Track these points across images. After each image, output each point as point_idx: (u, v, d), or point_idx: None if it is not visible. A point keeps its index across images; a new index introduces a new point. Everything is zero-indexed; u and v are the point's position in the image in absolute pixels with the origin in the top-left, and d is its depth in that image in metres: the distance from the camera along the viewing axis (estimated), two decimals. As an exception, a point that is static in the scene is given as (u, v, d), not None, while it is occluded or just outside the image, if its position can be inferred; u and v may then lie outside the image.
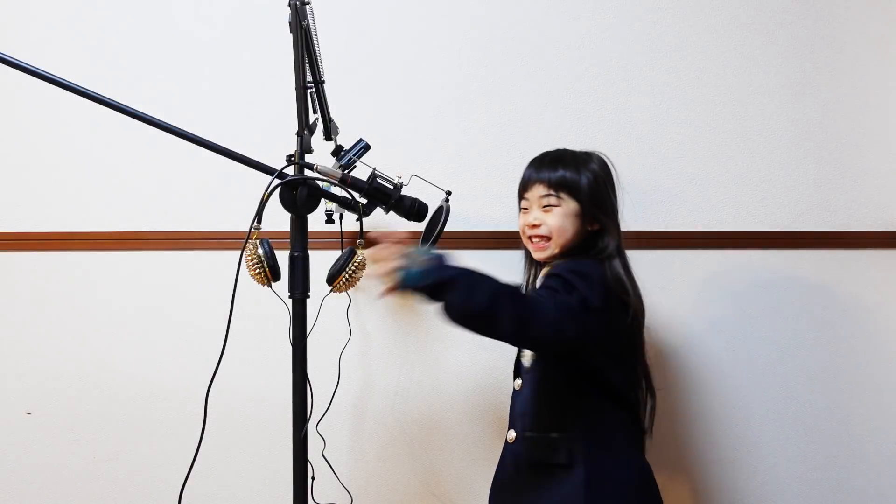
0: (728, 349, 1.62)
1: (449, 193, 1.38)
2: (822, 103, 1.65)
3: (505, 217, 1.59)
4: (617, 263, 1.17)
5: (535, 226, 1.21)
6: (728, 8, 1.64)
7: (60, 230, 1.58)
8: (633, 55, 1.62)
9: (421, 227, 1.38)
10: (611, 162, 1.25)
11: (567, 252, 1.21)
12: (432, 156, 1.60)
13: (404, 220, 1.34)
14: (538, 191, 1.21)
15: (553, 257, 1.22)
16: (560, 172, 1.20)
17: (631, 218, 1.61)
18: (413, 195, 1.33)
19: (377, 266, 0.98)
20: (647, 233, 1.60)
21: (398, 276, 0.95)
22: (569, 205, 1.19)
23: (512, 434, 1.22)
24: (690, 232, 1.61)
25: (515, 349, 1.29)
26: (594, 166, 1.22)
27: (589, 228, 1.21)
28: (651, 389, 1.25)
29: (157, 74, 1.59)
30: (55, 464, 1.58)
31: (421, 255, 0.98)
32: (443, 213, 1.34)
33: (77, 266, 1.58)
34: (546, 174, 1.20)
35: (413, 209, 1.31)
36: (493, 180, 1.60)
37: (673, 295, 1.61)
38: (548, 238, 1.20)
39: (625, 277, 1.16)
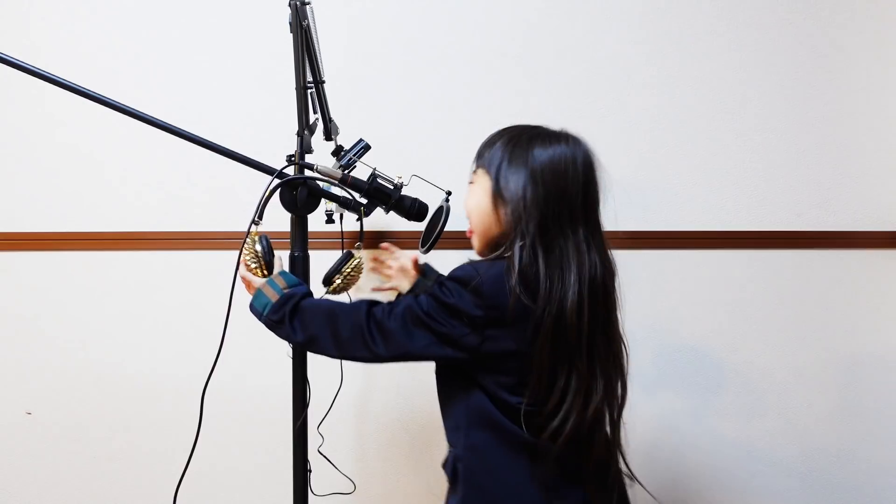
0: (728, 349, 1.62)
1: (449, 193, 1.38)
2: (822, 103, 1.65)
3: (505, 217, 1.59)
4: (524, 261, 0.91)
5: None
6: (728, 8, 1.64)
7: (60, 230, 1.58)
8: (633, 55, 1.62)
9: (421, 227, 1.38)
10: (589, 148, 1.00)
11: (493, 246, 1.00)
12: (432, 156, 1.60)
13: (404, 220, 1.34)
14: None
15: (483, 254, 1.03)
16: (489, 141, 1.02)
17: (631, 218, 1.61)
18: (413, 195, 1.33)
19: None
20: (647, 233, 1.60)
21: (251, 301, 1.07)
22: (483, 182, 1.00)
23: None
24: (690, 232, 1.61)
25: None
26: (545, 145, 0.97)
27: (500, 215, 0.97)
28: (584, 401, 0.93)
29: (157, 74, 1.59)
30: (55, 464, 1.58)
31: (272, 290, 1.06)
32: (443, 213, 1.33)
33: (77, 266, 1.58)
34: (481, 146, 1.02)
35: (413, 209, 1.31)
36: (493, 180, 1.60)
37: (673, 295, 1.61)
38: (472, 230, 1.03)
39: (531, 278, 0.91)
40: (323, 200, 1.23)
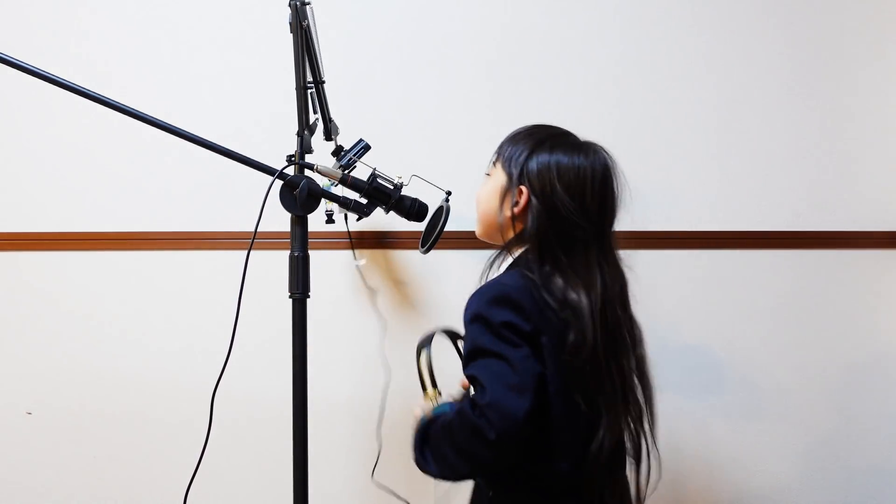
0: (728, 349, 1.62)
1: (449, 193, 1.38)
2: (822, 103, 1.65)
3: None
4: (545, 276, 0.91)
5: None
6: (728, 8, 1.64)
7: (60, 230, 1.58)
8: (634, 55, 1.62)
9: (421, 227, 1.38)
10: (613, 164, 0.99)
11: (493, 237, 1.03)
12: (432, 156, 1.60)
13: (404, 220, 1.34)
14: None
15: (484, 240, 1.07)
16: (514, 137, 1.00)
17: (631, 218, 1.61)
18: (413, 195, 1.33)
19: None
20: (647, 233, 1.60)
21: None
22: (498, 177, 0.99)
23: None
24: (690, 232, 1.61)
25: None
26: (561, 159, 0.94)
27: (515, 219, 0.96)
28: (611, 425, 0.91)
29: (158, 74, 1.59)
30: (55, 464, 1.58)
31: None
32: (443, 213, 1.34)
33: (77, 266, 1.58)
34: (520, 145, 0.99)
35: (413, 209, 1.32)
36: (493, 180, 1.60)
37: (673, 295, 1.61)
38: None
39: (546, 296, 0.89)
40: (323, 200, 1.24)
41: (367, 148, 1.34)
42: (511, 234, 0.97)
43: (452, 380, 1.04)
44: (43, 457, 1.58)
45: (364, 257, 1.57)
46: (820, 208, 1.65)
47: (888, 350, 1.64)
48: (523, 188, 0.94)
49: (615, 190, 0.98)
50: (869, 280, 1.64)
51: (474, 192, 1.57)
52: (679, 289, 1.62)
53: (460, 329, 0.98)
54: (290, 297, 1.18)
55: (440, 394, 1.00)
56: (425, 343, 1.01)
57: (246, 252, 1.12)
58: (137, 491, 1.58)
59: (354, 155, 1.33)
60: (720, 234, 1.62)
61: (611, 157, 0.98)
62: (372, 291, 1.56)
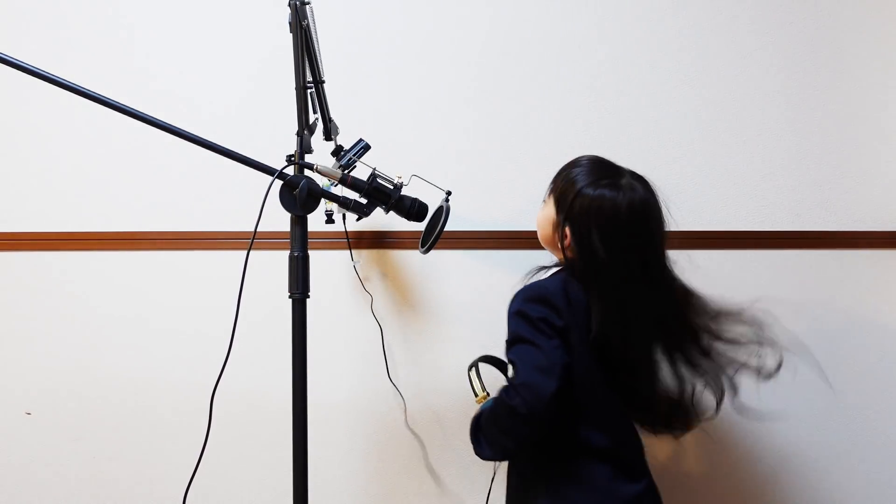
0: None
1: (449, 193, 1.38)
2: (823, 103, 1.65)
3: (505, 217, 1.59)
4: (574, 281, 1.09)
5: None
6: (728, 8, 1.64)
7: (60, 230, 1.58)
8: (634, 56, 1.62)
9: (421, 227, 1.38)
10: (654, 195, 1.10)
11: (550, 250, 1.22)
12: (432, 156, 1.60)
13: (404, 220, 1.34)
14: None
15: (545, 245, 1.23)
16: (566, 172, 1.15)
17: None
18: (413, 195, 1.33)
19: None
20: (647, 233, 1.60)
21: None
22: (550, 209, 1.16)
23: None
24: (691, 232, 1.61)
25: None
26: (605, 193, 1.08)
27: (559, 243, 1.12)
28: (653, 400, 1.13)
29: (157, 74, 1.59)
30: (55, 464, 1.58)
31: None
32: (443, 213, 1.34)
33: (77, 266, 1.58)
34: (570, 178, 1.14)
35: (413, 209, 1.32)
36: (493, 180, 1.60)
37: (673, 295, 1.61)
38: None
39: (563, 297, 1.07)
40: (323, 200, 1.24)
41: (366, 148, 1.34)
42: (562, 256, 1.14)
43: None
44: (43, 457, 1.58)
45: (361, 258, 1.57)
46: (820, 208, 1.64)
47: (889, 350, 1.64)
48: (567, 231, 1.10)
49: (659, 220, 1.11)
50: (869, 280, 1.64)
51: (474, 191, 1.60)
52: (679, 289, 1.61)
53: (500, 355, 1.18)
54: (290, 297, 1.18)
55: (488, 394, 1.16)
56: (475, 363, 1.21)
57: (246, 252, 1.12)
58: (137, 491, 1.58)
59: (354, 155, 1.33)
60: (720, 233, 1.62)
61: (651, 190, 1.11)
62: (372, 292, 1.56)
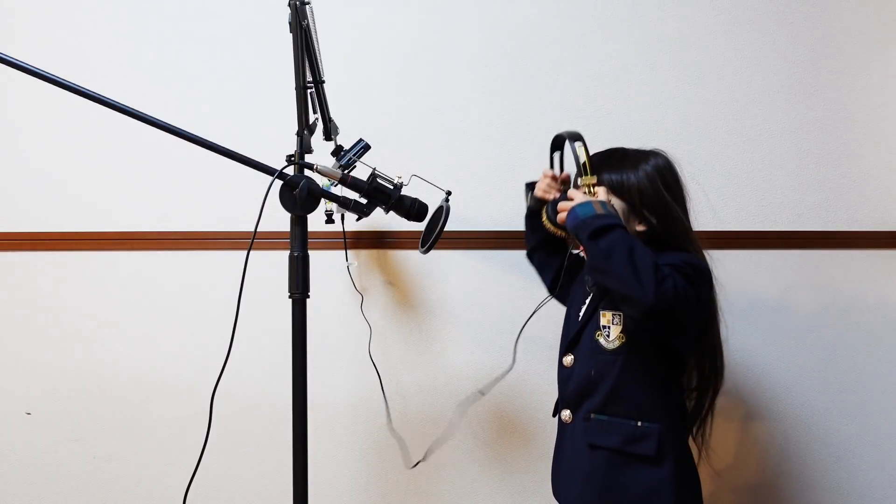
0: (728, 349, 1.62)
1: (449, 193, 1.38)
2: (823, 103, 1.65)
3: (505, 217, 1.59)
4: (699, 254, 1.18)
5: None
6: (728, 8, 1.64)
7: (60, 230, 1.58)
8: (634, 55, 1.62)
9: (421, 227, 1.38)
10: (671, 158, 1.24)
11: None
12: (432, 156, 1.60)
13: (404, 220, 1.34)
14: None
15: None
16: (609, 175, 1.18)
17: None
18: (413, 195, 1.33)
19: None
20: (647, 233, 1.60)
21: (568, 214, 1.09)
22: (605, 196, 1.15)
23: (567, 413, 1.19)
24: (690, 232, 1.61)
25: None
26: (647, 167, 1.19)
27: (637, 228, 1.18)
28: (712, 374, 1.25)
29: (158, 74, 1.60)
30: (55, 464, 1.58)
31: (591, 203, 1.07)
32: (443, 213, 1.34)
33: (77, 266, 1.58)
34: (604, 174, 1.18)
35: (413, 209, 1.32)
36: (493, 180, 1.60)
37: (673, 295, 1.61)
38: None
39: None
40: (323, 200, 1.23)
41: (366, 148, 1.34)
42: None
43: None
44: (43, 457, 1.58)
45: (360, 258, 1.57)
46: (820, 208, 1.64)
47: (888, 350, 1.64)
48: (640, 220, 1.17)
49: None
50: (869, 280, 1.64)
51: (474, 191, 1.59)
52: (679, 289, 1.61)
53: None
54: (290, 296, 1.18)
55: (596, 183, 1.09)
56: (577, 134, 1.10)
57: (246, 252, 1.12)
58: (137, 491, 1.58)
59: (354, 155, 1.33)
60: (720, 233, 1.62)
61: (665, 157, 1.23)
62: (372, 291, 1.56)
